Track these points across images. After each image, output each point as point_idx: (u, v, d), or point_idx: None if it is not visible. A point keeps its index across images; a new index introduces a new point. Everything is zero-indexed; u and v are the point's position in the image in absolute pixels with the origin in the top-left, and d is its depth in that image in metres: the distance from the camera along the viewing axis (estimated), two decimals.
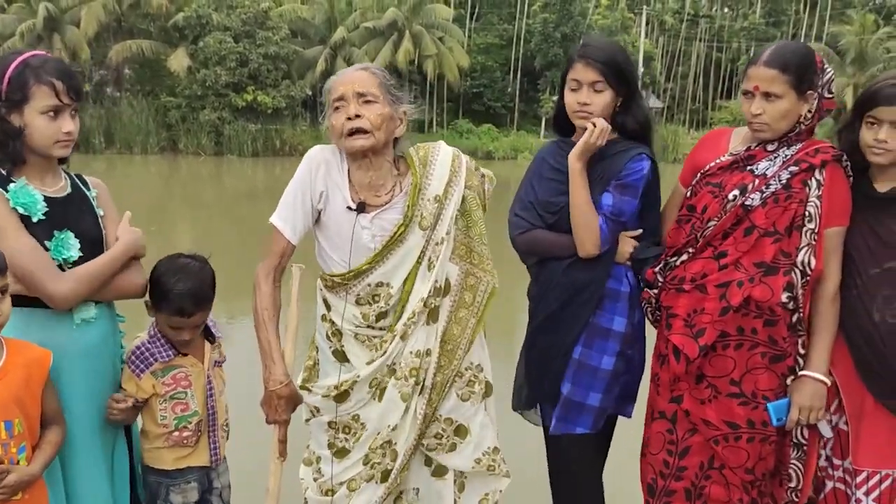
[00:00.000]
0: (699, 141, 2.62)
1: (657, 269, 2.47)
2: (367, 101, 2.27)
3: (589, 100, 2.44)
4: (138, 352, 2.37)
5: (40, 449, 1.98)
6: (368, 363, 2.36)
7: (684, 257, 2.41)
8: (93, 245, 2.17)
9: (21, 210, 2.03)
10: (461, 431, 2.46)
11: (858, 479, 2.36)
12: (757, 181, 2.33)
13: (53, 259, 2.07)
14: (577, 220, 2.44)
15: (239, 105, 29.46)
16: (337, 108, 2.29)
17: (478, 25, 40.63)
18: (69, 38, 29.02)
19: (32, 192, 2.07)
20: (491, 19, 40.89)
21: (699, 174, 2.45)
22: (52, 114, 2.05)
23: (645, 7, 42.27)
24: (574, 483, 2.62)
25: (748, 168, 2.37)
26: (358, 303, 2.37)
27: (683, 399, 2.42)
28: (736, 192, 2.33)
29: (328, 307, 2.44)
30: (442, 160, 2.40)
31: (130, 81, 32.14)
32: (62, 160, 2.23)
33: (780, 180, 2.32)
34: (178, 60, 29.50)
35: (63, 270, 2.09)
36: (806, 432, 2.41)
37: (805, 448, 2.42)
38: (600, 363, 2.50)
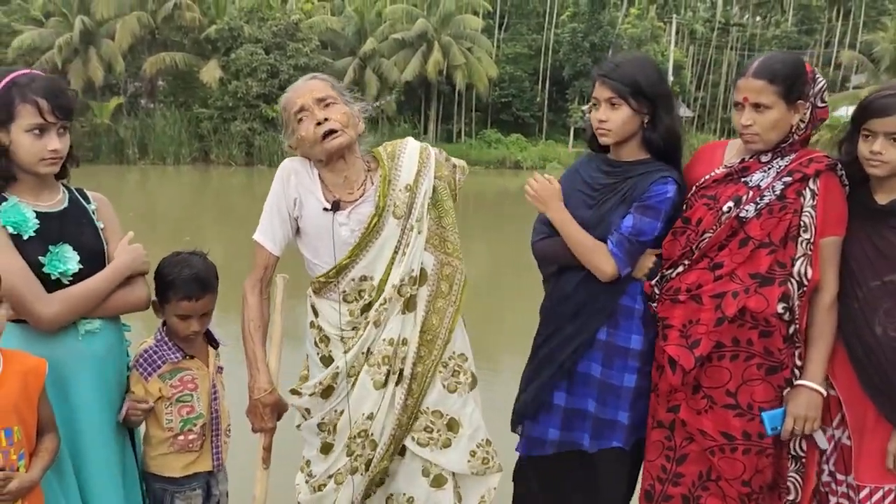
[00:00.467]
0: (694, 154, 2.63)
1: (654, 282, 2.48)
2: (328, 105, 2.36)
3: (605, 116, 2.46)
4: (146, 355, 2.43)
5: (38, 456, 2.01)
6: (345, 353, 2.42)
7: (680, 269, 2.42)
8: (93, 257, 2.22)
9: (11, 229, 2.08)
10: (453, 426, 2.50)
11: (861, 495, 2.34)
12: (751, 192, 2.34)
13: (50, 272, 2.11)
14: (581, 254, 2.47)
15: (269, 116, 29.76)
16: (301, 119, 2.38)
17: (506, 35, 40.66)
18: (105, 51, 29.59)
19: (23, 211, 2.12)
20: (520, 29, 40.90)
21: (694, 187, 2.46)
22: (37, 132, 2.08)
23: (674, 16, 42.03)
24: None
25: (742, 180, 2.38)
26: (346, 300, 2.43)
27: (680, 409, 2.43)
28: (730, 203, 2.34)
29: (316, 313, 2.51)
30: (410, 152, 2.50)
31: (164, 93, 32.64)
32: (61, 175, 2.27)
33: (774, 191, 2.32)
34: (211, 72, 29.94)
35: (62, 283, 2.13)
36: (804, 445, 2.40)
37: (803, 461, 2.41)
38: (622, 381, 2.52)
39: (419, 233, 2.44)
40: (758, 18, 47.19)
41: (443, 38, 33.68)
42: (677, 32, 41.87)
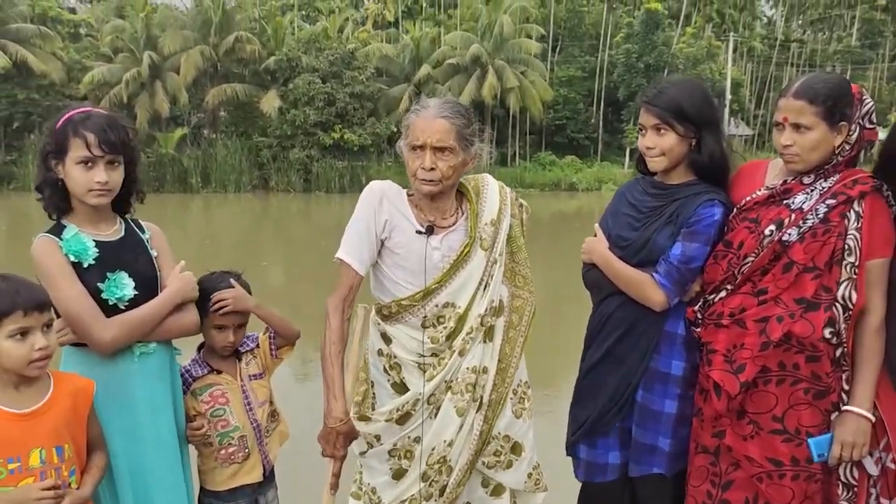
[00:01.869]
0: (734, 175, 2.57)
1: (696, 307, 2.46)
2: (444, 156, 2.39)
3: (652, 143, 2.47)
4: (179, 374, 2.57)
5: (88, 473, 2.10)
6: (429, 380, 2.46)
7: (723, 294, 2.40)
8: (147, 284, 2.33)
9: (72, 258, 2.21)
10: (517, 449, 2.59)
11: None
12: (794, 215, 2.30)
13: (108, 298, 2.24)
14: (628, 289, 2.49)
15: (326, 143, 30.41)
16: (415, 149, 2.41)
17: (560, 58, 40.70)
18: (170, 85, 30.71)
19: (83, 240, 2.25)
20: (573, 52, 40.89)
21: (735, 209, 2.43)
22: (87, 164, 2.22)
23: (731, 34, 41.47)
24: None
25: (784, 202, 2.35)
26: (424, 325, 2.47)
27: (726, 434, 2.40)
28: (772, 227, 2.31)
29: (387, 340, 2.53)
30: (491, 190, 2.60)
31: (225, 123, 33.65)
32: (125, 210, 2.41)
33: (817, 214, 2.28)
34: (270, 102, 30.77)
35: (119, 308, 2.25)
36: (856, 472, 2.35)
37: (855, 489, 2.35)
38: (663, 407, 2.51)
39: (500, 266, 2.53)
40: (819, 34, 46.21)
41: (496, 62, 33.89)
42: (735, 50, 41.28)
